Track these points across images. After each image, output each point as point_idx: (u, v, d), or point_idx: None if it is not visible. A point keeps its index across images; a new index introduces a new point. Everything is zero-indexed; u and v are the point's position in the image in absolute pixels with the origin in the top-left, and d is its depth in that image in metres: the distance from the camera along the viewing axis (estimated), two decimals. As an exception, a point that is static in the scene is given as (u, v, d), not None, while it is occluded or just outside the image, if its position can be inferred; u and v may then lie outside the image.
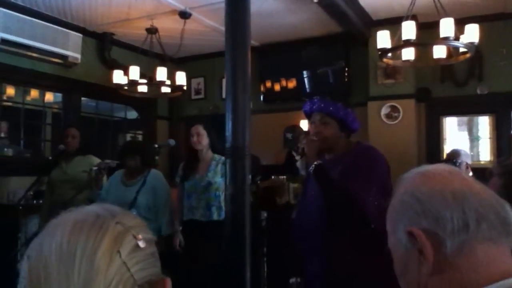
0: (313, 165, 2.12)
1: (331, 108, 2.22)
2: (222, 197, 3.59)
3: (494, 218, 0.77)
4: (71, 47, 5.20)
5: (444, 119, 5.72)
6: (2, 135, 5.77)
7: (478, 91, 5.32)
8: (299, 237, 2.29)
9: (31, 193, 4.26)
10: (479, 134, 5.70)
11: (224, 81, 5.99)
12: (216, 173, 3.63)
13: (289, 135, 4.14)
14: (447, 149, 5.52)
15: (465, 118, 5.83)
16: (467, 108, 5.53)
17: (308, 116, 2.33)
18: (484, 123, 5.65)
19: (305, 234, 2.23)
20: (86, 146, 3.98)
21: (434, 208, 0.78)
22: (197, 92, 7.00)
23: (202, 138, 3.66)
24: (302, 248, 2.30)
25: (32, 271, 0.71)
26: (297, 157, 2.29)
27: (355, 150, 2.26)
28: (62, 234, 0.72)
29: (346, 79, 5.92)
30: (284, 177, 3.83)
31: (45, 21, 4.94)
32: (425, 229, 0.77)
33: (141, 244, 0.75)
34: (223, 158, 3.68)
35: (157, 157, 3.24)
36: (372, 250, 1.95)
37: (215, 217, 3.56)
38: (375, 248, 2.00)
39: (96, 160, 3.87)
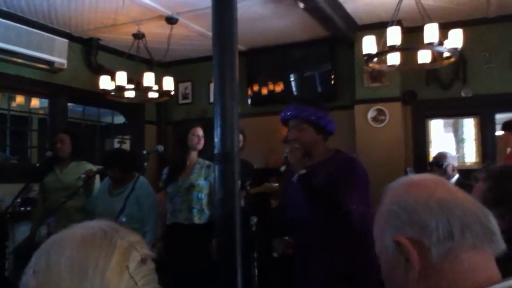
0: (297, 175, 2.16)
1: (304, 114, 2.27)
2: (205, 201, 3.59)
3: (477, 227, 0.79)
4: (57, 52, 5.16)
5: (429, 122, 5.80)
6: (-12, 142, 5.72)
7: (463, 94, 5.40)
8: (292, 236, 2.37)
9: (19, 200, 4.22)
10: (464, 136, 5.78)
11: (211, 85, 5.98)
12: (199, 176, 3.60)
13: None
14: (433, 151, 5.59)
15: (450, 120, 5.90)
16: (452, 110, 5.60)
17: (286, 123, 2.38)
18: (469, 125, 5.73)
19: (297, 234, 2.30)
20: (79, 152, 3.92)
21: (420, 217, 0.80)
22: (185, 96, 6.99)
23: (202, 140, 3.65)
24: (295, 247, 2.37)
25: (40, 285, 0.72)
26: (282, 168, 2.33)
27: (337, 158, 2.30)
28: (72, 249, 0.74)
29: (332, 82, 5.97)
30: (277, 184, 3.84)
31: (30, 27, 4.91)
32: (411, 238, 0.80)
33: (146, 259, 0.78)
34: (207, 162, 3.68)
35: (145, 163, 3.23)
36: (357, 250, 2.11)
37: (196, 220, 3.52)
38: (360, 248, 2.16)
39: (92, 167, 3.82)
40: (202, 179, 3.58)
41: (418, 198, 0.83)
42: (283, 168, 2.29)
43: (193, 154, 3.67)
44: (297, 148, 2.25)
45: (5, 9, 4.66)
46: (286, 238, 2.32)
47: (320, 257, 2.22)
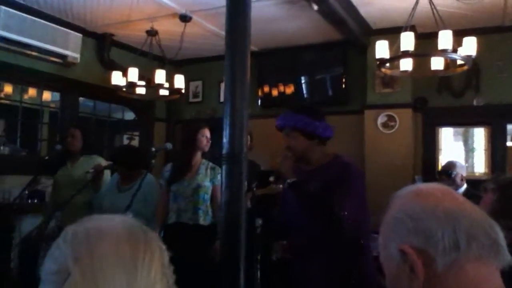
0: (287, 183, 2.26)
1: (290, 122, 2.37)
2: (209, 202, 3.57)
3: (484, 239, 0.79)
4: (70, 46, 5.19)
5: (440, 130, 5.75)
6: (-1, 133, 5.77)
7: (475, 103, 5.35)
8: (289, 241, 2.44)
9: (27, 192, 4.25)
10: (475, 145, 5.73)
11: (222, 85, 5.99)
12: (205, 177, 3.58)
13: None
14: (442, 159, 5.55)
15: (460, 129, 5.86)
16: (463, 119, 5.56)
17: (282, 131, 2.48)
18: (479, 134, 5.68)
19: (294, 237, 2.39)
20: (89, 147, 3.93)
21: (426, 227, 0.80)
22: (195, 95, 7.01)
23: (210, 141, 3.63)
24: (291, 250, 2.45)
25: (85, 272, 0.73)
26: (271, 178, 2.43)
27: (333, 164, 2.35)
28: (119, 242, 0.77)
29: (343, 86, 5.94)
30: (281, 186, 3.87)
31: (45, 20, 4.94)
32: (417, 247, 0.79)
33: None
34: (211, 163, 3.68)
35: (153, 161, 3.23)
36: (353, 252, 2.21)
37: (201, 221, 3.49)
38: (355, 250, 2.21)
39: (102, 161, 3.84)
40: (207, 180, 3.57)
41: (425, 207, 0.82)
42: (272, 178, 2.42)
43: (199, 154, 3.65)
44: (288, 156, 2.34)
45: (21, 1, 4.71)
46: (284, 242, 2.37)
47: (318, 258, 2.27)
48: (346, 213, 2.11)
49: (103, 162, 3.80)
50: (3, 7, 4.50)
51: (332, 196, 2.15)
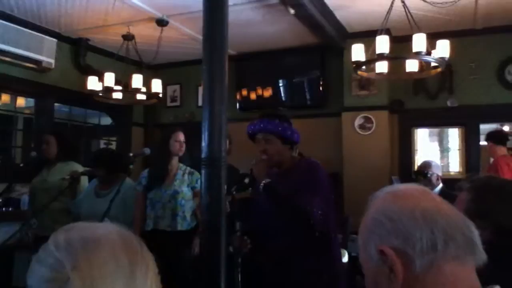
0: (262, 184, 2.32)
1: (269, 126, 2.46)
2: (187, 207, 3.54)
3: (460, 238, 0.80)
4: (45, 52, 5.11)
5: (415, 131, 5.85)
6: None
7: (448, 104, 5.46)
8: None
9: (0, 200, 4.16)
10: (449, 145, 5.84)
11: (200, 88, 5.96)
12: (182, 182, 3.54)
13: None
14: (418, 159, 5.64)
15: (436, 130, 5.97)
16: (438, 120, 5.67)
17: (252, 137, 2.57)
18: (454, 134, 5.80)
19: (265, 240, 2.45)
20: (66, 153, 3.87)
21: (405, 227, 0.81)
22: (173, 99, 6.97)
23: (184, 145, 3.59)
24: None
25: (84, 280, 0.73)
26: (246, 180, 2.46)
27: (300, 165, 2.47)
28: (117, 250, 0.77)
29: (321, 89, 6.00)
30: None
31: (19, 25, 4.86)
32: (396, 248, 0.80)
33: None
34: (188, 168, 3.65)
35: (131, 166, 3.20)
36: (319, 251, 2.30)
37: (179, 227, 3.46)
38: (321, 249, 2.29)
39: (79, 167, 3.78)
40: (185, 186, 3.53)
41: (403, 208, 0.83)
42: (246, 180, 2.46)
43: (175, 160, 3.60)
44: (263, 160, 2.42)
45: (-7, 6, 4.62)
46: (245, 237, 2.41)
47: (292, 261, 2.34)
48: (315, 209, 2.20)
49: (80, 169, 3.74)
50: (-25, 13, 4.42)
51: (301, 194, 2.24)
